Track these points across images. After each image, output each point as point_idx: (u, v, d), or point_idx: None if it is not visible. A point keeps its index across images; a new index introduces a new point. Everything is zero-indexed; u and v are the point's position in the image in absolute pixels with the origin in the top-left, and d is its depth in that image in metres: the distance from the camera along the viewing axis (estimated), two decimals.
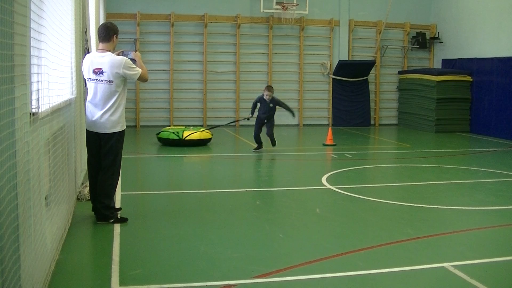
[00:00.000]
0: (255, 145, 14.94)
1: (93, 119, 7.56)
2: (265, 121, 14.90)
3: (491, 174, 12.22)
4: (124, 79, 7.51)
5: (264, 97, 14.76)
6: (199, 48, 21.76)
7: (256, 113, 15.17)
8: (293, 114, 15.55)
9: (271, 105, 14.79)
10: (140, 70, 7.63)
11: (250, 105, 22.09)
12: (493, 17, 20.13)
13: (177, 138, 15.34)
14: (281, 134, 19.72)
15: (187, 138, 15.31)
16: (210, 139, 16.05)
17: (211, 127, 17.25)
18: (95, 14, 13.12)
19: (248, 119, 15.30)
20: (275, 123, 15.21)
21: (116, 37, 7.67)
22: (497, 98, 19.86)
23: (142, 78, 7.77)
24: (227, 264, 6.16)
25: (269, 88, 14.98)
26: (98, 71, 7.42)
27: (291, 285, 5.66)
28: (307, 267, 6.11)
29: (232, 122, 19.34)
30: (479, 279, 5.72)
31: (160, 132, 16.00)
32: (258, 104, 15.06)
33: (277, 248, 6.94)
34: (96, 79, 7.45)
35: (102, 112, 7.48)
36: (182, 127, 16.89)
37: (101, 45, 7.66)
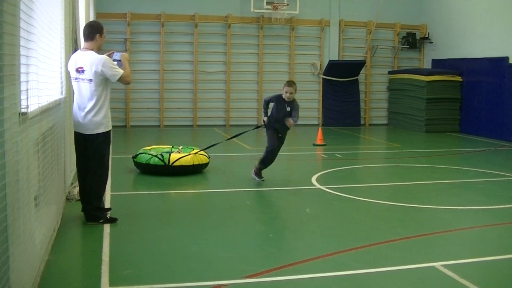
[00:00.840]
0: (260, 166, 10.89)
1: (78, 119, 7.51)
2: (278, 134, 10.76)
3: (481, 174, 12.26)
4: (104, 79, 7.39)
5: (283, 96, 10.49)
6: (189, 48, 21.73)
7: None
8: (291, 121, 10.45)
9: (288, 109, 10.47)
10: (122, 71, 7.45)
11: (241, 105, 22.36)
12: (483, 17, 20.18)
13: (162, 164, 11.14)
14: None
15: (175, 164, 11.13)
16: (207, 164, 11.75)
17: (209, 146, 12.16)
18: (85, 13, 13.09)
19: (264, 125, 10.89)
20: None
21: (100, 36, 7.58)
22: (487, 98, 19.92)
23: (124, 80, 7.52)
24: (218, 264, 6.15)
25: (291, 83, 10.56)
26: (80, 70, 7.38)
27: (281, 285, 5.65)
28: (298, 267, 6.11)
29: (235, 136, 13.05)
30: (468, 278, 5.74)
31: (137, 155, 11.65)
32: (271, 104, 10.83)
33: (267, 248, 6.94)
34: (79, 78, 7.41)
35: (85, 112, 7.42)
36: (167, 147, 12.76)
37: (85, 44, 7.64)
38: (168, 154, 11.36)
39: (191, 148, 12.26)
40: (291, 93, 10.37)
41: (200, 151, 11.70)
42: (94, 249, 6.60)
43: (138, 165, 11.55)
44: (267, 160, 10.73)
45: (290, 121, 10.38)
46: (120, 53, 7.80)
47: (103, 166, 7.65)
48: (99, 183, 7.66)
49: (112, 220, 7.63)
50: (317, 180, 11.00)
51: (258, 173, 10.78)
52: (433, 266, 6.17)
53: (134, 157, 11.67)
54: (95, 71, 7.29)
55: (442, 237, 7.55)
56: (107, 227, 7.39)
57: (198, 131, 20.53)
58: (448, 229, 7.90)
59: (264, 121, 10.80)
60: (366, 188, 11.01)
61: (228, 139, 13.04)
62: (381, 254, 6.71)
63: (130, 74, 7.66)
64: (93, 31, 7.56)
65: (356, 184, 11.44)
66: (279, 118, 10.53)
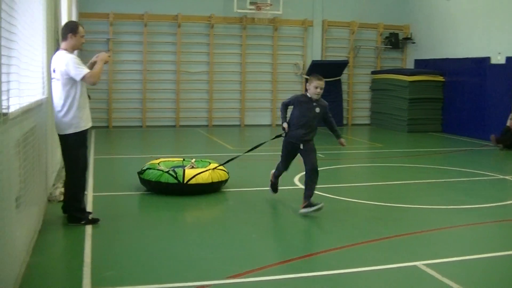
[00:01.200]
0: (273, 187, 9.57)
1: (54, 119, 7.53)
2: (301, 145, 8.66)
3: (463, 173, 12.33)
4: (71, 78, 7.28)
5: (309, 94, 8.55)
6: (172, 48, 21.68)
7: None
8: (339, 136, 9.29)
9: (317, 110, 8.63)
10: (86, 71, 7.29)
11: (224, 105, 22.32)
12: (465, 18, 20.30)
13: (175, 182, 9.40)
14: (253, 134, 19.76)
15: (191, 182, 9.45)
16: (226, 181, 10.07)
17: (227, 161, 10.09)
18: (68, 13, 13.02)
19: (284, 133, 8.77)
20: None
21: (74, 35, 7.43)
22: (469, 98, 20.05)
23: (87, 80, 7.31)
24: (201, 264, 6.15)
25: (321, 77, 8.55)
26: (53, 70, 7.40)
27: (265, 285, 5.66)
28: (281, 267, 6.12)
29: (254, 148, 10.06)
30: (450, 277, 5.78)
31: (144, 171, 9.80)
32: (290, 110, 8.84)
33: (250, 248, 6.93)
34: (53, 78, 7.43)
35: (56, 112, 7.43)
36: (178, 159, 10.94)
37: (61, 44, 7.63)
38: (182, 169, 9.64)
39: (206, 162, 10.52)
40: (321, 89, 8.49)
41: (218, 166, 9.97)
42: (76, 251, 6.57)
43: (145, 182, 9.72)
44: (274, 176, 9.44)
45: (342, 142, 9.05)
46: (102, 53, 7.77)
47: (77, 167, 7.57)
48: (75, 184, 7.60)
49: (94, 221, 7.59)
50: (299, 180, 11.01)
51: (273, 187, 9.51)
52: (415, 265, 6.20)
53: (140, 173, 9.85)
54: (60, 70, 7.27)
55: (423, 236, 7.59)
56: (89, 228, 7.36)
57: (181, 132, 20.51)
58: (430, 228, 7.94)
59: (284, 129, 8.68)
60: (348, 188, 11.04)
61: (247, 151, 10.22)
62: (364, 253, 6.74)
63: (97, 75, 7.39)
64: (66, 30, 7.51)
65: (339, 184, 11.47)
66: (305, 123, 8.58)
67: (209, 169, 9.74)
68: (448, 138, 19.80)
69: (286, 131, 8.65)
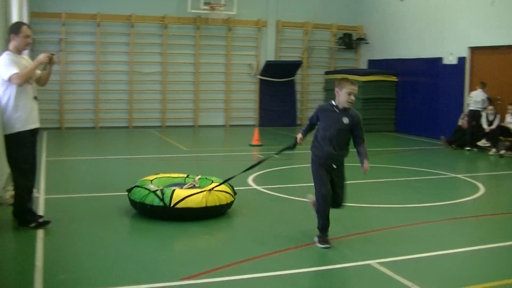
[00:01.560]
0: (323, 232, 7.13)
1: None
2: (333, 165, 7.25)
3: (416, 172, 12.48)
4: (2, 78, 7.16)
5: (336, 102, 7.16)
6: (125, 48, 21.48)
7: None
8: (362, 161, 7.27)
9: (345, 120, 7.02)
10: (14, 71, 7.07)
11: (177, 106, 22.21)
12: (418, 18, 20.59)
13: (161, 204, 7.84)
14: (207, 135, 19.73)
15: (179, 206, 7.85)
16: (228, 204, 8.41)
17: (228, 179, 8.59)
18: (18, 13, 12.79)
19: (294, 146, 7.52)
20: None
21: (16, 35, 7.25)
22: (422, 98, 20.37)
23: (14, 81, 7.07)
24: (154, 266, 6.10)
25: (353, 81, 7.27)
26: None
27: (218, 286, 5.64)
28: (235, 268, 6.10)
29: (261, 162, 8.53)
30: (404, 275, 5.85)
31: (132, 188, 8.37)
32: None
33: (204, 249, 6.93)
34: None
35: None
36: (181, 175, 9.35)
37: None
38: (171, 190, 8.05)
39: (210, 181, 8.84)
40: (355, 96, 7.10)
41: (218, 185, 8.33)
42: (27, 254, 6.46)
43: (132, 203, 8.31)
44: (320, 213, 7.04)
45: (365, 165, 7.19)
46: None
47: (16, 168, 7.41)
48: (18, 185, 7.47)
49: (45, 224, 7.45)
50: (253, 180, 11.01)
51: (324, 239, 6.99)
52: (369, 264, 6.25)
53: (128, 191, 8.45)
54: None
55: (377, 235, 7.65)
56: (40, 231, 7.23)
57: (134, 133, 20.33)
58: (384, 227, 8.01)
59: (296, 139, 7.28)
60: (302, 188, 11.03)
61: (247, 169, 8.35)
62: (318, 253, 6.76)
63: (24, 76, 7.11)
64: (9, 31, 7.41)
65: (292, 184, 11.49)
66: (331, 137, 7.08)
67: (205, 190, 8.13)
68: (401, 137, 20.07)
69: (298, 142, 7.28)
